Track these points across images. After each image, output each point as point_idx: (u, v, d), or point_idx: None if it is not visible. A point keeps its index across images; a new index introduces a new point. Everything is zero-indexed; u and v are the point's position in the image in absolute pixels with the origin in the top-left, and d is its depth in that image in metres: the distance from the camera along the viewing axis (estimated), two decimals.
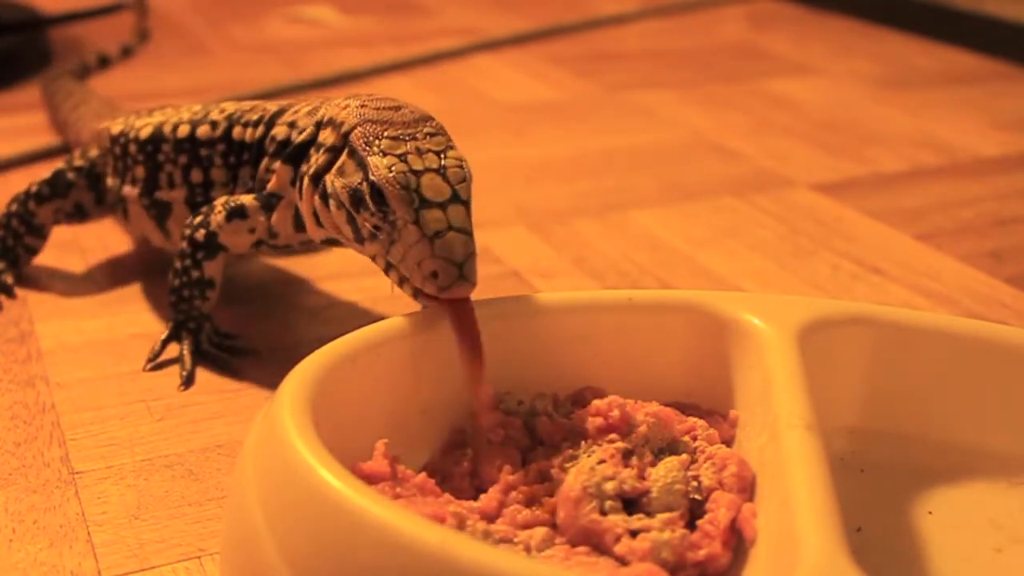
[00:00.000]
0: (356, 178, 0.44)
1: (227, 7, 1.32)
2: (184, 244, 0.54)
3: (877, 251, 0.69)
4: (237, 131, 0.54)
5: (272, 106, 0.54)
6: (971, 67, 1.15)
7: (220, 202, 0.53)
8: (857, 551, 0.33)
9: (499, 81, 1.06)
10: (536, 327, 0.44)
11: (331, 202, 0.46)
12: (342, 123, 0.47)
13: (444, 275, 0.41)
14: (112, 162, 0.60)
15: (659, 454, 0.40)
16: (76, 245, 0.67)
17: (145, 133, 0.57)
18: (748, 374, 0.42)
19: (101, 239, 0.68)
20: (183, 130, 0.56)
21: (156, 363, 0.54)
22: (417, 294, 0.43)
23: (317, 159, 0.48)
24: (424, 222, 0.41)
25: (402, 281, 0.43)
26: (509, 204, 0.75)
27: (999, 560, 0.39)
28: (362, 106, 0.47)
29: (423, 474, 0.39)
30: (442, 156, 0.43)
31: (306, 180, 0.48)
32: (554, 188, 0.79)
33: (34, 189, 0.61)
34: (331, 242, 0.51)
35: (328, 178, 0.47)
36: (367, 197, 0.43)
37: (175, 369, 0.54)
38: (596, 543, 0.36)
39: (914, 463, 0.44)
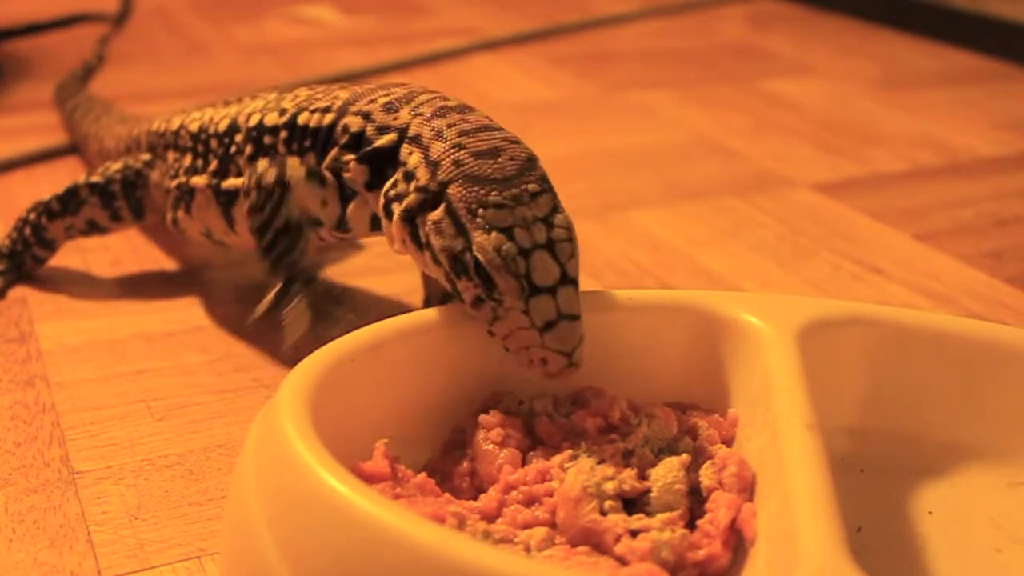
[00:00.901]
0: (457, 244, 0.41)
1: (227, 7, 1.32)
2: (256, 196, 0.51)
3: (877, 251, 0.69)
4: (303, 117, 0.51)
5: (343, 93, 0.51)
6: (971, 67, 1.15)
7: (294, 161, 0.51)
8: (857, 551, 0.33)
9: (499, 81, 1.06)
10: None
11: (426, 253, 0.43)
12: (437, 163, 0.43)
13: (553, 363, 0.39)
14: (189, 162, 0.57)
15: (659, 454, 0.40)
16: (76, 245, 0.66)
17: (223, 126, 0.55)
18: (748, 374, 0.42)
19: (101, 239, 0.68)
20: (254, 119, 0.54)
21: (261, 315, 0.51)
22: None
23: (409, 196, 0.44)
24: (534, 311, 0.39)
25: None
26: None
27: (999, 560, 0.39)
28: (457, 146, 0.43)
29: (423, 474, 0.39)
30: (550, 226, 0.40)
31: (396, 216, 0.44)
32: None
33: (48, 203, 0.61)
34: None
35: (424, 229, 0.43)
36: (470, 270, 0.40)
37: (175, 369, 0.54)
38: (596, 543, 0.36)
39: (914, 463, 0.44)
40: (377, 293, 0.62)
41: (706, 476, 0.39)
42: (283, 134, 0.52)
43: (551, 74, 1.09)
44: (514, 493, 0.38)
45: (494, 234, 0.40)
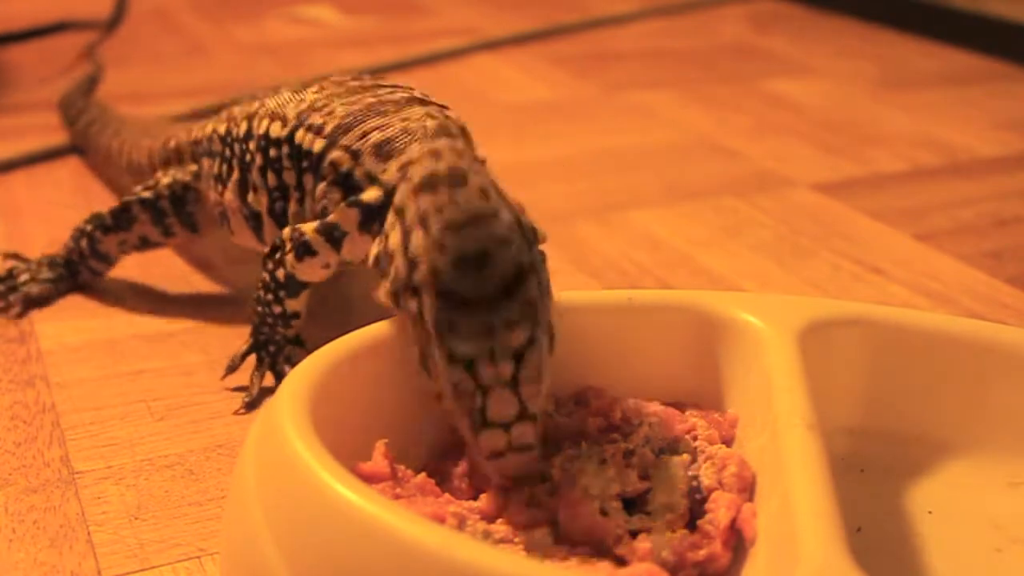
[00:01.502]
0: (428, 344, 0.38)
1: (227, 7, 1.32)
2: (265, 276, 0.50)
3: (877, 251, 0.69)
4: (299, 135, 0.50)
5: (340, 108, 0.49)
6: (971, 67, 1.15)
7: (286, 235, 0.49)
8: (857, 551, 0.33)
9: (499, 81, 1.06)
10: None
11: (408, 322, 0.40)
12: (414, 261, 0.38)
13: (496, 480, 0.37)
14: (217, 168, 0.56)
15: (659, 454, 0.40)
16: None
17: (243, 129, 0.54)
18: (748, 374, 0.42)
19: None
20: (263, 125, 0.52)
21: (233, 372, 0.52)
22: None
23: (391, 278, 0.40)
24: (482, 442, 0.36)
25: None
26: None
27: (999, 560, 0.39)
28: (439, 248, 0.37)
29: (423, 474, 0.39)
30: (521, 362, 0.36)
31: (382, 290, 0.41)
32: (554, 188, 0.79)
33: (102, 218, 0.59)
34: None
35: (403, 316, 0.40)
36: (433, 374, 0.38)
37: (175, 369, 0.54)
38: (596, 543, 0.36)
39: (914, 463, 0.44)
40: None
41: (706, 476, 0.39)
42: (285, 148, 0.51)
43: (551, 74, 1.09)
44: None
45: (454, 367, 0.36)
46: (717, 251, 0.69)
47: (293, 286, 0.50)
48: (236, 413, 0.50)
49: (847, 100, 1.03)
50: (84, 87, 0.89)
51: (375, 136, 0.48)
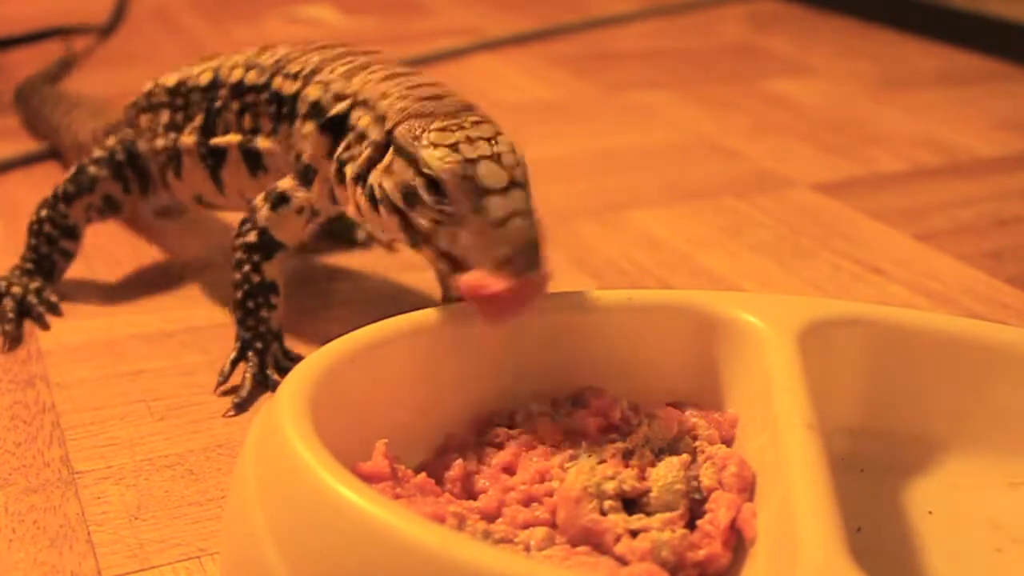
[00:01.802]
0: (407, 175, 0.43)
1: (227, 7, 1.32)
2: (238, 253, 0.52)
3: (877, 251, 0.69)
4: (277, 81, 0.53)
5: (315, 57, 0.53)
6: (971, 67, 1.15)
7: (259, 198, 0.52)
8: (857, 551, 0.33)
9: (499, 81, 1.06)
10: (536, 327, 0.44)
11: (381, 207, 0.45)
12: (383, 116, 0.46)
13: (517, 260, 0.40)
14: (167, 118, 0.58)
15: (659, 454, 0.40)
16: None
17: (204, 79, 0.56)
18: (748, 374, 0.42)
19: (101, 239, 0.68)
20: (236, 75, 0.55)
21: (225, 388, 0.52)
22: (487, 303, 0.40)
23: (360, 156, 0.47)
24: (487, 210, 0.41)
25: (456, 268, 0.42)
26: None
27: (999, 560, 0.39)
28: (403, 97, 0.46)
29: (423, 474, 0.39)
30: (493, 143, 0.43)
31: (348, 178, 0.47)
32: (554, 188, 0.79)
33: (60, 190, 0.60)
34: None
35: (374, 180, 0.46)
36: (422, 191, 0.43)
37: (175, 369, 0.54)
38: (596, 543, 0.36)
39: (914, 463, 0.44)
40: (377, 293, 0.62)
41: (706, 476, 0.39)
42: (263, 95, 0.54)
43: (551, 74, 1.09)
44: (513, 493, 0.38)
45: (439, 149, 0.42)
46: (717, 251, 0.69)
47: (268, 246, 0.52)
48: (226, 415, 0.50)
49: (847, 100, 1.03)
50: (51, 73, 0.93)
51: (341, 68, 0.52)
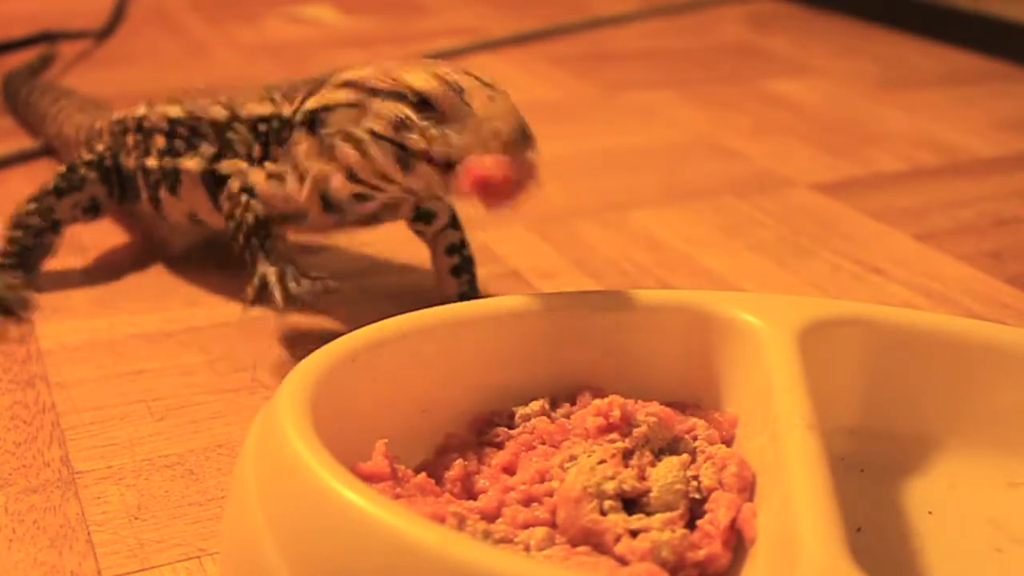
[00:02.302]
0: (393, 108, 0.47)
1: (227, 7, 1.32)
2: (227, 204, 0.55)
3: (877, 251, 0.69)
4: (285, 108, 0.55)
5: (303, 86, 0.55)
6: (971, 67, 1.15)
7: (255, 170, 0.55)
8: (857, 551, 0.33)
9: (499, 81, 1.06)
10: (536, 327, 0.44)
11: (372, 148, 0.48)
12: (357, 79, 0.49)
13: (509, 142, 0.44)
14: (163, 143, 0.60)
15: (659, 454, 0.40)
16: (76, 245, 0.67)
17: (221, 115, 0.58)
18: (748, 374, 0.42)
19: (101, 239, 0.68)
20: (250, 109, 0.57)
21: (253, 305, 0.53)
22: (483, 192, 0.43)
23: (341, 117, 0.50)
24: (477, 101, 0.45)
25: (449, 167, 0.45)
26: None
27: (999, 560, 0.39)
28: (367, 65, 0.50)
29: (423, 474, 0.39)
30: (466, 71, 0.47)
31: (338, 142, 0.50)
32: (554, 188, 0.79)
33: (52, 184, 0.62)
34: (362, 223, 0.54)
35: (361, 130, 0.48)
36: (411, 113, 0.46)
37: (175, 369, 0.54)
38: (596, 543, 0.36)
39: (914, 463, 0.44)
40: (378, 293, 0.62)
41: (706, 476, 0.39)
42: (275, 123, 0.55)
43: (551, 74, 1.09)
44: (513, 493, 0.38)
45: (420, 72, 0.47)
46: (717, 251, 0.69)
47: (251, 193, 0.54)
48: (245, 307, 0.53)
49: (847, 100, 1.03)
50: (34, 67, 0.95)
51: (308, 85, 0.54)
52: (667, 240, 0.70)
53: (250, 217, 0.54)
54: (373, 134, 0.48)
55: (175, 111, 0.60)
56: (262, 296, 0.53)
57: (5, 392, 0.52)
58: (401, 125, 0.47)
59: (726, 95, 1.03)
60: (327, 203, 0.53)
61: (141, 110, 0.63)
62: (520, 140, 0.44)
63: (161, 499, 0.44)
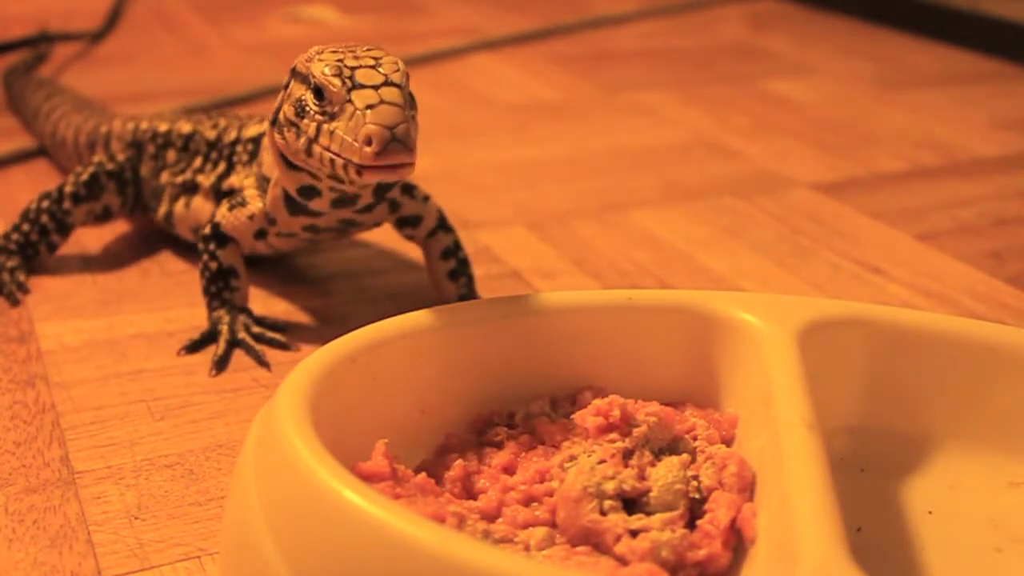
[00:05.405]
0: (298, 91, 0.48)
1: (227, 7, 1.32)
2: (199, 244, 0.56)
3: (877, 251, 0.69)
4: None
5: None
6: (971, 67, 1.15)
7: (225, 200, 0.57)
8: (857, 551, 0.33)
9: (499, 81, 1.06)
10: (536, 327, 0.44)
11: (284, 129, 0.49)
12: (295, 63, 0.50)
13: (378, 140, 0.44)
14: (200, 162, 0.62)
15: (659, 454, 0.40)
16: (76, 245, 0.67)
17: (231, 135, 0.61)
18: (748, 374, 0.42)
19: (101, 239, 0.68)
20: (253, 130, 0.60)
21: (191, 349, 0.55)
22: (360, 171, 0.45)
23: (278, 105, 0.51)
24: (357, 98, 0.45)
25: (345, 166, 0.45)
26: (509, 204, 0.75)
27: (999, 560, 0.39)
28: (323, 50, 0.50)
29: (423, 474, 0.39)
30: (378, 61, 0.47)
31: (267, 127, 0.51)
32: (554, 188, 0.79)
33: (70, 189, 0.63)
34: (340, 229, 0.55)
35: (281, 114, 0.50)
36: (308, 100, 0.47)
37: (175, 369, 0.54)
38: (596, 543, 0.36)
39: (914, 463, 0.44)
40: (378, 293, 0.62)
41: (706, 476, 0.39)
42: (264, 141, 0.57)
43: (551, 74, 1.09)
44: (513, 493, 0.38)
45: (327, 62, 0.47)
46: (717, 251, 0.69)
47: (220, 237, 0.56)
48: (178, 353, 0.54)
49: (847, 100, 1.03)
50: (27, 64, 0.96)
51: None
52: (667, 240, 0.70)
53: (213, 265, 0.56)
54: (286, 117, 0.49)
55: (211, 133, 0.62)
56: (207, 339, 0.55)
57: (5, 392, 0.52)
58: (300, 108, 0.48)
59: (726, 95, 1.03)
60: (291, 204, 0.53)
61: (162, 126, 0.65)
62: (393, 144, 0.44)
63: (161, 499, 0.44)
